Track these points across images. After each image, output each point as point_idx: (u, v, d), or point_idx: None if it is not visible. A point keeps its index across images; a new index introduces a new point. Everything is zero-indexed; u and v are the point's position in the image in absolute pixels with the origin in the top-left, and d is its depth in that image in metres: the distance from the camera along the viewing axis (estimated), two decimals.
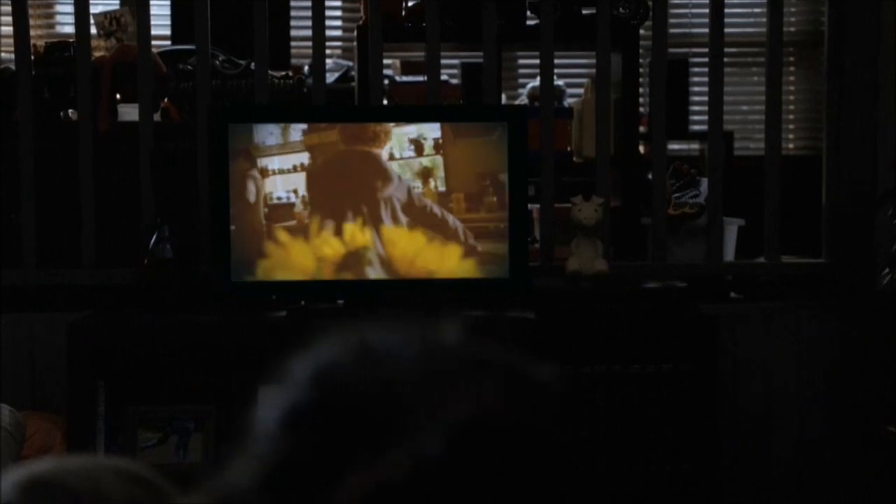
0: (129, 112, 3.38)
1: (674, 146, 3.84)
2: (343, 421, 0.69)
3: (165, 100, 3.46)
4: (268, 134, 2.99)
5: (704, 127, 3.57)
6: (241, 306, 3.05)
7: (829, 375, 3.38)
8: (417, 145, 3.00)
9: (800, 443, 3.38)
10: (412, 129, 2.99)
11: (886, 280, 3.19)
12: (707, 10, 3.46)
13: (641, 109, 3.76)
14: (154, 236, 3.07)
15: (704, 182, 3.52)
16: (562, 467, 0.70)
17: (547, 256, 3.33)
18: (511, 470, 0.68)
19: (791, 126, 4.58)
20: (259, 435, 0.71)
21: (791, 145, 4.57)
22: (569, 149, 3.72)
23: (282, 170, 2.99)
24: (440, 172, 3.00)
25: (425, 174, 3.00)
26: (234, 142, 2.97)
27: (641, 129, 3.71)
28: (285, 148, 2.99)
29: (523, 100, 4.16)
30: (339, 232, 2.99)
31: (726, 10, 3.42)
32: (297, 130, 2.99)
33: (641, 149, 3.73)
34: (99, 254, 3.31)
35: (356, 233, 2.99)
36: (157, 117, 3.38)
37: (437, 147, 3.00)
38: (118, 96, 3.42)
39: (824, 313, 3.38)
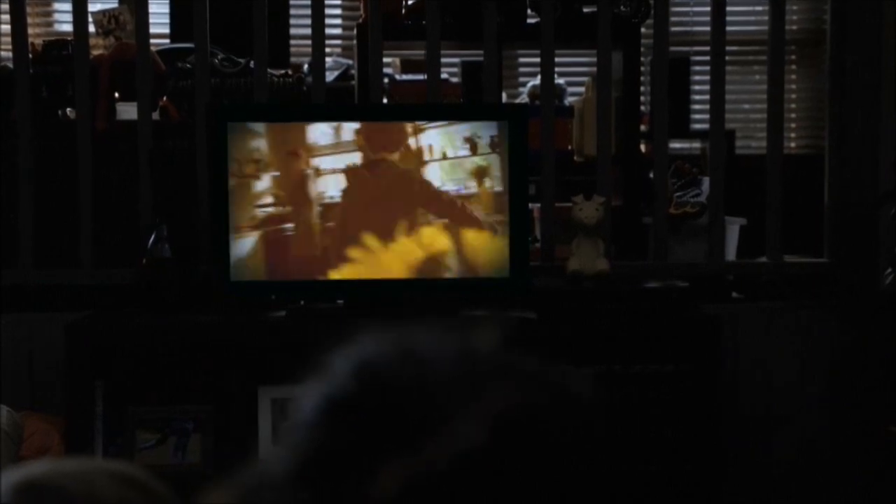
0: (128, 111, 3.36)
1: (674, 145, 3.83)
2: (381, 414, 0.69)
3: (164, 98, 3.45)
4: (321, 134, 2.97)
5: (705, 126, 3.56)
6: (240, 306, 3.03)
7: (830, 375, 3.37)
8: (472, 144, 2.98)
9: (801, 443, 3.37)
10: (465, 128, 2.97)
11: (889, 280, 3.18)
12: (708, 9, 3.44)
13: (642, 108, 3.75)
14: (153, 236, 3.05)
15: (706, 181, 3.51)
16: (596, 469, 0.71)
17: (548, 256, 3.31)
18: (548, 467, 0.68)
19: (792, 125, 4.58)
20: (295, 425, 0.71)
21: (793, 144, 4.57)
22: (569, 148, 3.72)
23: (335, 169, 2.98)
24: (496, 172, 2.98)
25: (480, 173, 2.98)
26: (289, 141, 2.96)
27: (642, 127, 3.70)
28: (338, 148, 2.97)
29: (524, 98, 4.15)
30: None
31: (727, 9, 3.40)
32: (349, 130, 2.98)
33: (642, 147, 3.71)
34: (97, 254, 3.29)
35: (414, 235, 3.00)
36: (155, 116, 3.36)
37: (494, 145, 2.98)
38: (116, 95, 3.41)
39: (826, 313, 3.37)
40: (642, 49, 3.63)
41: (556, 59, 3.38)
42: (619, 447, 0.72)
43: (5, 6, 3.39)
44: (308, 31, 3.39)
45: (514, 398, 0.69)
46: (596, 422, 0.72)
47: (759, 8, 4.44)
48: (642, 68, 3.68)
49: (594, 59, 3.42)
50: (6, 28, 3.47)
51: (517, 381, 0.71)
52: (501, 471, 0.66)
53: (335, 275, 2.97)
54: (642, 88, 3.70)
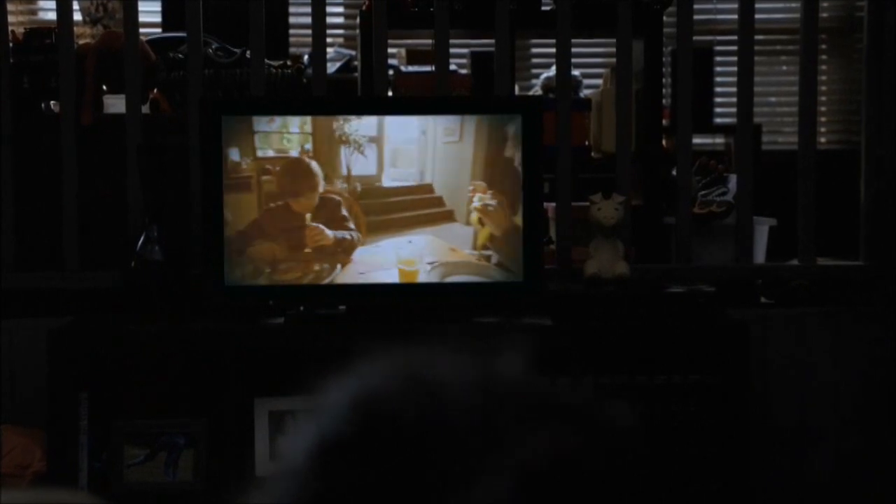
0: (116, 104, 3.35)
1: (697, 140, 3.75)
2: (388, 456, 0.64)
3: (154, 90, 3.42)
4: None
5: (730, 120, 3.57)
6: (235, 312, 3.00)
7: (868, 386, 3.31)
8: None
9: (837, 459, 3.31)
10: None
11: None
12: None
13: (664, 101, 3.71)
14: (142, 237, 3.01)
15: (733, 179, 3.47)
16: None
17: (564, 259, 3.27)
18: None
19: (823, 119, 4.55)
20: (283, 469, 0.66)
21: (823, 139, 4.55)
22: (587, 143, 3.66)
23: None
24: None
25: None
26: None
27: (664, 121, 3.65)
28: None
29: (537, 91, 4.12)
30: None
31: None
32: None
33: (664, 143, 3.67)
34: (83, 256, 3.25)
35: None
36: (145, 109, 3.33)
37: None
38: (104, 87, 3.38)
39: (862, 319, 3.31)
40: (664, 38, 3.58)
41: (573, 49, 3.33)
42: (658, 480, 0.67)
43: None
44: (308, 18, 3.36)
45: (544, 442, 0.64)
46: (641, 465, 0.66)
47: None
48: (664, 59, 3.63)
49: (613, 49, 3.38)
50: None
51: (547, 420, 0.65)
52: None
53: (337, 279, 2.93)
54: (664, 80, 3.64)
